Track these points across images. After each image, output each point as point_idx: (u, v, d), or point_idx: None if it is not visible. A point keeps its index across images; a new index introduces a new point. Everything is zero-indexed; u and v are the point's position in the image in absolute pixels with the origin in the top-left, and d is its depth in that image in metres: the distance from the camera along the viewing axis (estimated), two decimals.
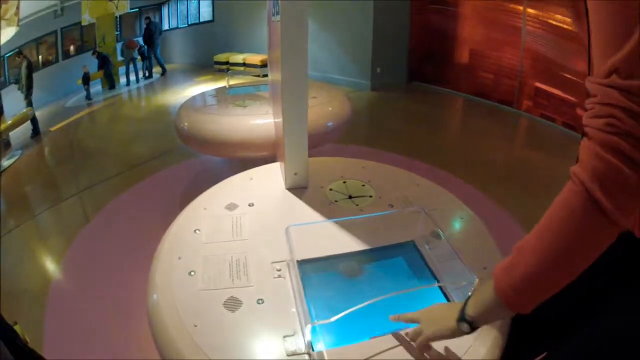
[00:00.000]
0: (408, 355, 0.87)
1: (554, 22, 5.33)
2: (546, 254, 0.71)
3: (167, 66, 8.99)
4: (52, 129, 5.40)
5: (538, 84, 5.85)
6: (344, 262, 1.13)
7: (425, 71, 6.74)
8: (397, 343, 0.89)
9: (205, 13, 9.06)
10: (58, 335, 1.92)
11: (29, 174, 4.13)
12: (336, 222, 1.26)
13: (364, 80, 6.65)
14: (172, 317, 0.97)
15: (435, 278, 1.09)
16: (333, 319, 0.85)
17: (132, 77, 8.10)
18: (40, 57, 6.54)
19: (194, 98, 2.94)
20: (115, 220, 2.88)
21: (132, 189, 3.30)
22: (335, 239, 1.21)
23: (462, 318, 0.81)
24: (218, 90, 3.12)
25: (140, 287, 1.69)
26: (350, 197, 1.45)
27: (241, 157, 2.39)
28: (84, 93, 7.21)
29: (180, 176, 3.38)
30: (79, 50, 7.30)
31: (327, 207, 1.39)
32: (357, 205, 1.40)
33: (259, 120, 2.32)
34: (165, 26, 9.41)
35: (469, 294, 0.83)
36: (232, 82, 3.20)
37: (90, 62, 7.35)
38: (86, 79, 6.95)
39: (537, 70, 5.73)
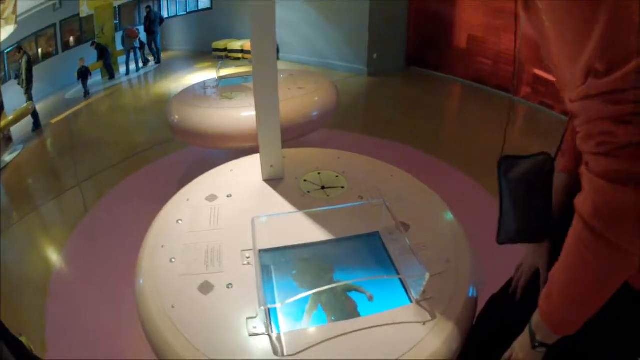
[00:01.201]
0: (360, 339, 0.99)
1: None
2: (571, 289, 0.73)
3: (167, 53, 9.09)
4: (53, 121, 5.53)
5: (536, 71, 5.91)
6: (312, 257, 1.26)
7: (423, 56, 6.79)
8: (352, 328, 1.00)
9: (204, 0, 9.17)
10: (61, 329, 2.03)
11: (30, 168, 4.24)
12: (304, 213, 1.38)
13: (361, 65, 6.70)
14: (154, 299, 1.10)
15: (395, 269, 1.20)
16: (286, 302, 0.98)
17: (132, 66, 8.19)
18: (40, 49, 6.62)
19: (185, 91, 3.06)
20: (113, 210, 3.00)
21: (129, 178, 3.42)
22: (301, 230, 1.33)
23: (534, 346, 0.83)
24: (208, 81, 3.23)
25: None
26: (323, 187, 1.58)
27: (230, 148, 2.51)
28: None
29: (176, 165, 3.48)
30: (79, 41, 7.34)
31: (300, 198, 1.51)
32: (328, 195, 1.52)
33: (245, 113, 2.43)
34: (165, 14, 9.50)
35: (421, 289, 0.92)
36: (224, 71, 3.31)
37: (89, 53, 7.44)
38: (82, 74, 6.99)
39: (535, 56, 5.76)
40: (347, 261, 1.23)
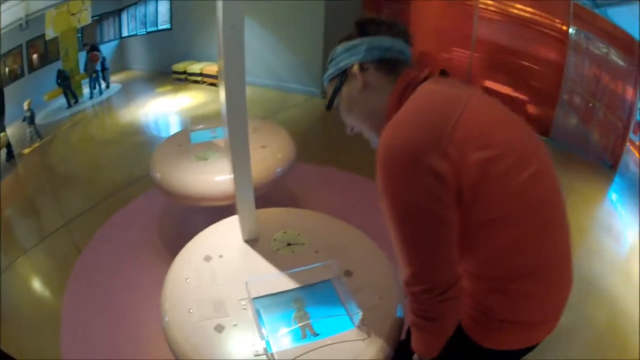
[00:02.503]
0: (323, 351, 1.66)
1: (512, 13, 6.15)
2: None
3: (127, 73, 9.69)
4: (26, 151, 5.95)
5: (488, 84, 6.71)
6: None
7: None
8: (318, 345, 1.67)
9: (163, 20, 9.60)
10: None
11: (10, 204, 4.49)
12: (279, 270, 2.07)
13: (315, 88, 7.27)
14: (182, 339, 1.75)
15: (343, 307, 1.88)
16: (277, 334, 1.66)
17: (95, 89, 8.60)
18: (7, 69, 6.86)
19: (164, 146, 3.60)
20: (106, 251, 3.50)
21: (114, 218, 3.94)
22: (280, 281, 2.00)
23: None
24: (182, 135, 3.78)
25: (143, 314, 2.51)
26: (288, 244, 2.25)
27: (206, 207, 3.09)
28: (51, 107, 7.62)
29: (156, 202, 4.04)
30: (44, 61, 7.64)
31: (272, 255, 2.17)
32: (293, 252, 2.19)
33: (219, 177, 3.03)
34: (125, 32, 9.89)
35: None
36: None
37: (50, 79, 7.76)
38: (29, 117, 6.94)
39: (487, 70, 6.52)
40: (311, 300, 1.91)
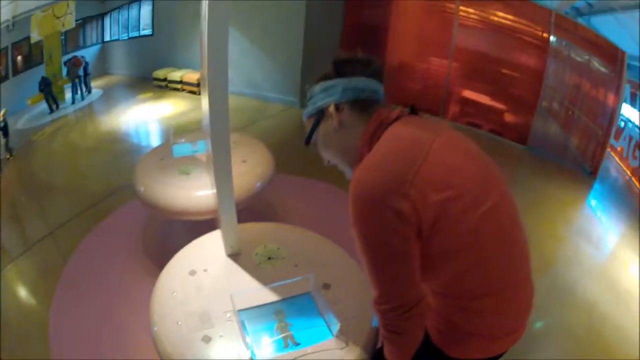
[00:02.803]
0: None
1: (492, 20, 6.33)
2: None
3: (109, 78, 9.81)
4: (9, 157, 6.02)
5: (466, 93, 6.88)
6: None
7: None
8: (301, 354, 1.83)
9: (145, 26, 9.74)
10: None
11: None
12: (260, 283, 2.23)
13: (294, 97, 7.46)
14: (171, 350, 1.90)
15: (323, 318, 2.04)
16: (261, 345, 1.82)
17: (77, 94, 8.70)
18: None
19: (146, 159, 3.74)
20: (91, 260, 3.62)
21: (98, 227, 4.07)
22: (263, 294, 2.16)
23: None
24: (164, 148, 3.91)
25: (131, 323, 2.79)
26: (269, 258, 2.41)
27: (188, 220, 3.25)
28: (33, 112, 7.72)
29: (138, 212, 4.16)
30: (28, 64, 7.73)
31: (254, 269, 2.33)
32: (274, 266, 2.35)
33: (201, 192, 3.18)
34: (107, 37, 10.01)
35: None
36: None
37: (33, 81, 7.84)
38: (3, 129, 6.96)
39: (466, 79, 6.68)
40: (292, 312, 2.07)
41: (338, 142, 1.44)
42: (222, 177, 2.26)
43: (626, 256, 4.45)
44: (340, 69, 1.42)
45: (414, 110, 1.45)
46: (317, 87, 1.45)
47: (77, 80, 8.59)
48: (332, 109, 1.40)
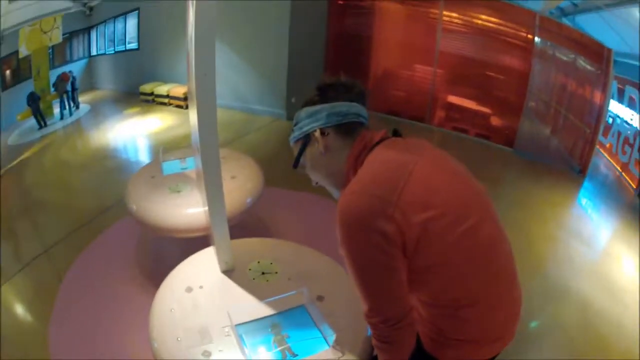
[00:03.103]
0: None
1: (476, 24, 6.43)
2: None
3: (94, 93, 9.78)
4: (2, 172, 6.03)
5: (451, 99, 6.96)
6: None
7: None
8: None
9: (132, 40, 9.76)
10: None
11: None
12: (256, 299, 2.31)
13: (280, 110, 7.51)
14: None
15: (318, 329, 2.12)
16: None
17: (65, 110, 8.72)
18: None
19: (137, 177, 3.81)
20: (87, 278, 3.68)
21: (92, 245, 4.12)
22: (259, 308, 2.24)
23: None
24: (154, 166, 3.98)
25: (129, 339, 2.90)
26: (263, 273, 2.50)
27: (179, 237, 3.31)
28: (23, 127, 7.73)
29: (131, 230, 4.21)
30: (16, 79, 7.73)
31: (249, 284, 2.41)
32: (267, 280, 2.44)
33: (192, 210, 3.26)
34: (94, 51, 9.99)
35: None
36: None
37: (23, 97, 7.85)
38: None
39: (450, 84, 6.75)
40: (288, 324, 2.16)
41: (325, 165, 1.53)
42: (213, 194, 2.36)
43: (619, 252, 4.56)
44: (324, 94, 1.51)
45: (396, 133, 1.55)
46: (303, 113, 1.53)
47: (65, 96, 8.63)
48: (317, 134, 1.49)
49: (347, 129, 1.48)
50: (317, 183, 1.63)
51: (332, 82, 1.53)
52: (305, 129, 1.52)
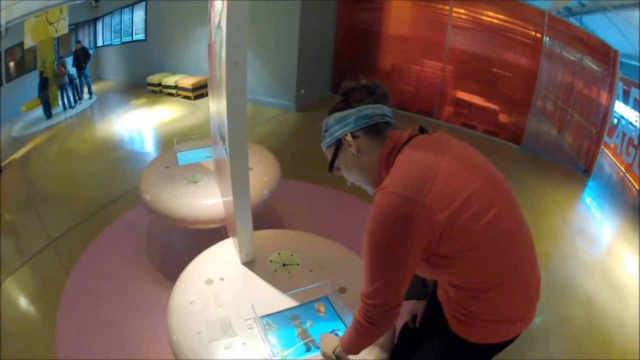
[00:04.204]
0: None
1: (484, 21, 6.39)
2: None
3: (101, 83, 9.82)
4: (3, 164, 6.00)
5: (460, 94, 6.96)
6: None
7: None
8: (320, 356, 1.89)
9: (138, 31, 9.76)
10: None
11: None
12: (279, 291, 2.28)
13: (290, 102, 7.53)
14: (194, 359, 1.94)
15: (341, 320, 2.10)
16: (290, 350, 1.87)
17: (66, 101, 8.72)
18: None
19: (151, 168, 3.75)
20: (96, 270, 3.64)
21: (100, 237, 4.09)
22: (282, 300, 2.21)
23: (334, 352, 1.71)
24: (168, 155, 3.92)
25: (141, 333, 2.85)
26: (284, 264, 2.46)
27: (195, 229, 3.26)
28: (28, 118, 7.72)
29: (140, 221, 4.22)
30: (20, 70, 7.73)
31: (270, 276, 2.38)
32: (289, 272, 2.41)
33: (210, 201, 3.20)
34: (100, 42, 10.05)
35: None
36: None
37: (31, 85, 7.87)
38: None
39: (459, 80, 6.75)
40: (311, 316, 2.13)
41: (358, 166, 1.59)
42: (239, 184, 2.33)
43: (622, 251, 4.59)
44: (349, 98, 1.58)
45: (422, 130, 1.59)
46: (331, 119, 1.60)
47: (62, 89, 8.62)
48: (348, 138, 1.55)
49: (375, 129, 1.54)
50: (351, 183, 1.70)
51: (354, 86, 1.60)
52: (336, 134, 1.58)
